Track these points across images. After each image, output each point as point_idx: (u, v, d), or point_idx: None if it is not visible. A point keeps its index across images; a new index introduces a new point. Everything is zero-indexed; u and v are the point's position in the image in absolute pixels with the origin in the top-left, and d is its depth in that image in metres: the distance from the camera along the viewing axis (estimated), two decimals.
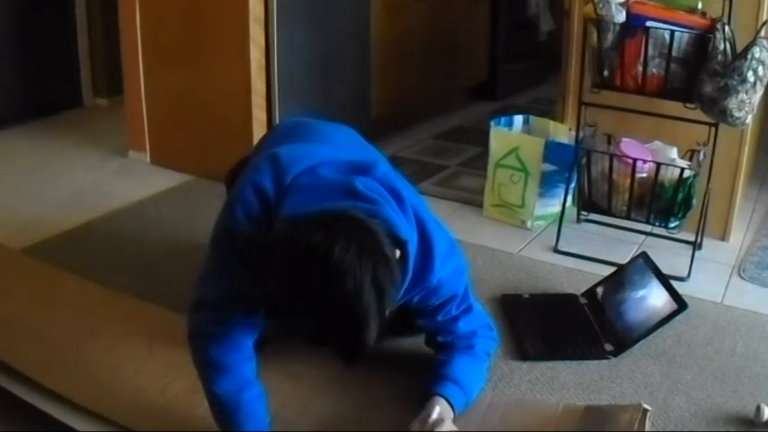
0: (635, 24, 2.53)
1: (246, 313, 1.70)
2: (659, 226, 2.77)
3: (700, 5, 2.54)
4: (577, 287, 2.52)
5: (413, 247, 1.61)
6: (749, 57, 2.34)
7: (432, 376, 1.83)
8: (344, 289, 1.40)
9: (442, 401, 1.76)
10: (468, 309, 1.91)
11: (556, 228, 2.90)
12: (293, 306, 1.46)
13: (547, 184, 3.01)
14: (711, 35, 2.42)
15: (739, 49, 2.40)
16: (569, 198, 2.94)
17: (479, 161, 3.56)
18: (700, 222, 2.75)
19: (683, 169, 2.60)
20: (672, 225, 2.70)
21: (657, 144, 2.74)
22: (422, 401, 1.77)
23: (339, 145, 1.93)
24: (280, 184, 1.65)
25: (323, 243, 1.40)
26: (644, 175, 2.66)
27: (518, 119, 3.24)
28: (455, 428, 1.70)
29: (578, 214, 3.05)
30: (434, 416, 1.70)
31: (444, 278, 1.79)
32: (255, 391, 1.67)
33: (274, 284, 1.47)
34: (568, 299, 2.47)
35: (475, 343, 1.89)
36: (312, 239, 1.41)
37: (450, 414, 1.75)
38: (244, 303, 1.69)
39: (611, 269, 2.50)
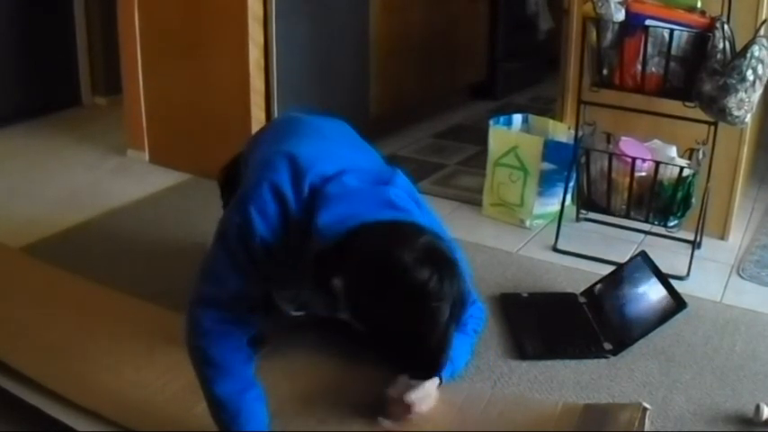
0: (634, 23, 2.52)
1: (248, 312, 1.69)
2: (658, 225, 2.77)
3: (699, 4, 2.54)
4: (576, 286, 2.52)
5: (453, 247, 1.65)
6: (748, 55, 2.34)
7: None
8: (441, 316, 1.49)
9: None
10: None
11: (555, 227, 2.90)
12: (382, 331, 1.52)
13: (546, 182, 3.01)
14: (711, 34, 2.42)
15: (739, 47, 2.40)
16: (568, 197, 2.94)
17: (478, 160, 3.56)
18: (699, 221, 2.75)
19: (682, 168, 2.60)
20: (671, 224, 2.70)
21: (657, 143, 2.74)
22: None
23: (345, 144, 1.95)
24: (299, 187, 1.66)
25: (431, 280, 1.46)
26: (643, 173, 2.66)
27: (517, 118, 3.24)
28: (434, 400, 1.79)
29: (577, 213, 3.05)
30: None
31: None
32: (256, 392, 1.67)
33: (366, 310, 1.52)
34: (567, 298, 2.47)
35: (467, 322, 1.91)
36: (422, 276, 1.46)
37: (435, 381, 1.80)
38: (248, 302, 1.68)
39: (611, 268, 2.50)
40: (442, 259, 1.52)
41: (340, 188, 1.66)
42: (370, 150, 2.03)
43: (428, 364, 1.63)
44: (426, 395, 1.80)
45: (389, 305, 1.49)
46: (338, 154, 1.83)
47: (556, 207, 2.98)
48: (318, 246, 1.58)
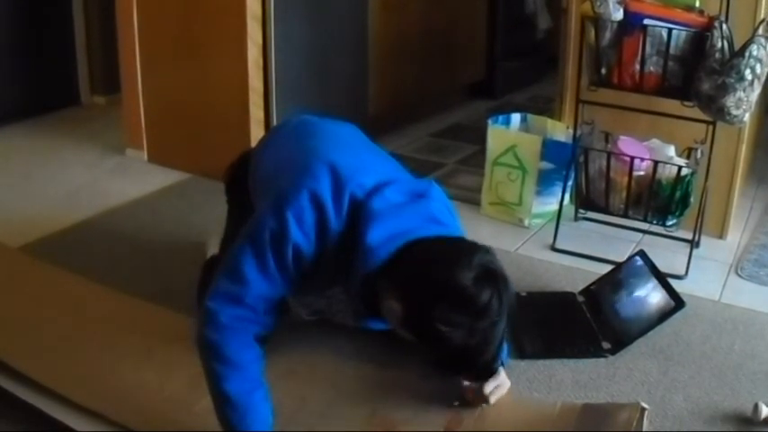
0: (632, 22, 2.52)
1: (265, 313, 1.69)
2: (657, 224, 2.77)
3: (697, 3, 2.54)
4: (575, 285, 2.52)
5: None
6: (747, 55, 2.34)
7: None
8: (499, 333, 1.62)
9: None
10: None
11: (553, 226, 2.90)
12: (445, 344, 1.57)
13: (544, 182, 3.01)
14: (709, 33, 2.42)
15: (737, 46, 2.40)
16: (567, 196, 2.94)
17: (477, 159, 3.56)
18: (697, 220, 2.75)
19: (680, 167, 2.60)
20: (669, 223, 2.70)
21: (655, 142, 2.74)
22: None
23: (372, 153, 2.00)
24: (339, 198, 1.67)
25: (493, 299, 1.57)
26: (641, 173, 2.66)
27: (516, 117, 3.24)
28: (506, 388, 1.87)
29: (576, 212, 3.05)
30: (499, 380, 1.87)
31: None
32: (264, 392, 1.66)
33: (431, 326, 1.56)
34: (566, 297, 2.47)
35: None
36: (485, 296, 1.56)
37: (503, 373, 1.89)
38: (269, 305, 1.69)
39: (609, 267, 2.50)
40: (498, 276, 1.60)
41: (384, 203, 1.69)
42: (389, 156, 2.07)
43: (483, 371, 1.75)
44: (502, 384, 1.86)
45: (453, 324, 1.55)
46: (373, 164, 1.87)
47: (554, 206, 2.98)
48: (369, 264, 1.63)
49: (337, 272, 1.72)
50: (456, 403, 1.86)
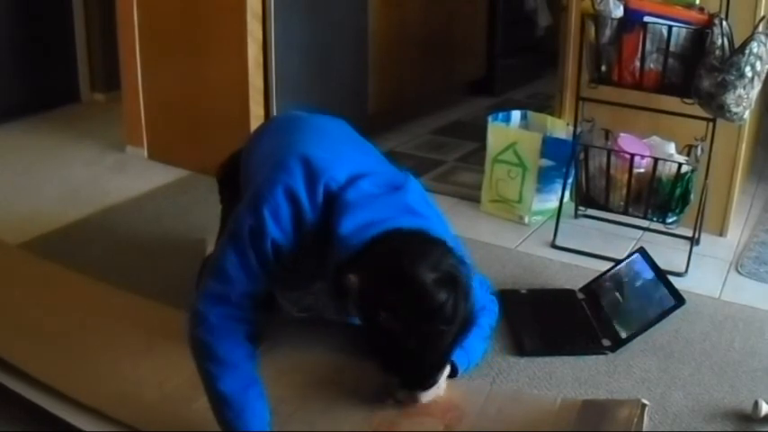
0: (633, 19, 2.52)
1: (253, 310, 1.70)
2: (657, 221, 2.77)
3: (697, 1, 2.54)
4: (575, 282, 2.52)
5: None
6: (747, 52, 2.34)
7: None
8: (447, 339, 1.57)
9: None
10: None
11: (553, 223, 2.90)
12: (388, 338, 1.56)
13: (544, 179, 3.01)
14: (709, 30, 2.42)
15: (737, 44, 2.40)
16: (567, 193, 2.94)
17: (477, 156, 3.56)
18: (697, 218, 2.75)
19: (680, 164, 2.60)
20: (669, 220, 2.70)
21: (655, 139, 2.74)
22: None
23: (352, 145, 1.97)
24: (313, 191, 1.67)
25: (446, 304, 1.52)
26: (642, 170, 2.66)
27: (516, 114, 3.24)
28: (440, 392, 1.81)
29: (576, 209, 3.05)
30: None
31: None
32: (259, 390, 1.66)
33: (378, 316, 1.54)
34: (566, 294, 2.47)
35: (481, 315, 1.93)
36: (440, 299, 1.51)
37: (446, 373, 1.81)
38: (255, 302, 1.69)
39: (609, 264, 2.50)
40: (460, 285, 1.55)
41: (358, 194, 1.68)
42: (374, 150, 2.04)
43: (421, 378, 1.70)
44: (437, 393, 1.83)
45: (399, 317, 1.53)
46: (349, 156, 1.85)
47: (554, 203, 2.98)
48: (341, 254, 1.61)
49: (318, 266, 1.72)
50: (390, 401, 1.82)
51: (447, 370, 1.82)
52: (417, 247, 1.58)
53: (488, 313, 2.00)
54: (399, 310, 1.52)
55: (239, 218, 1.71)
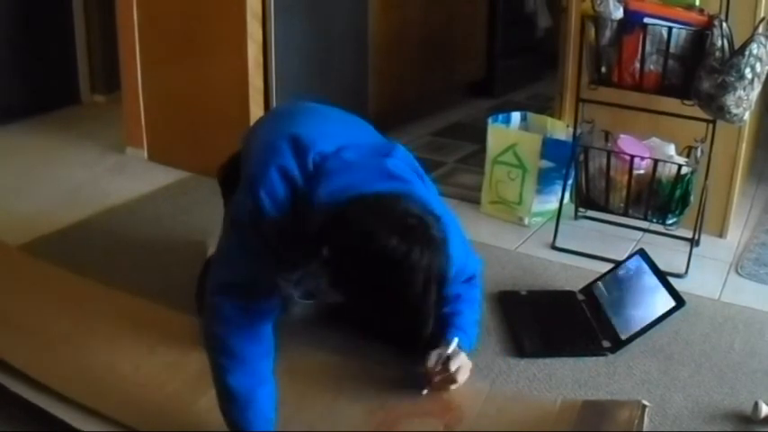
0: (633, 21, 2.53)
1: (266, 297, 1.69)
2: (657, 223, 2.77)
3: (697, 2, 2.55)
4: (575, 284, 2.52)
5: (447, 222, 1.62)
6: (747, 53, 2.34)
7: (443, 324, 1.90)
8: (415, 289, 1.47)
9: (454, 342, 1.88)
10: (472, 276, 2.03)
11: (553, 224, 2.90)
12: (361, 302, 1.54)
13: (544, 180, 3.01)
14: (709, 32, 2.42)
15: (737, 45, 2.40)
16: (567, 195, 2.94)
17: (477, 158, 3.56)
18: (697, 219, 2.75)
19: (680, 166, 2.60)
20: (669, 222, 2.70)
21: (655, 141, 2.74)
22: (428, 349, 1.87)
23: (342, 122, 1.97)
24: (304, 165, 1.67)
25: (400, 248, 1.45)
26: (641, 171, 2.66)
27: (516, 115, 3.24)
28: (469, 370, 1.88)
29: (576, 211, 3.05)
30: (450, 350, 1.86)
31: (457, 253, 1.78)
32: (269, 389, 1.66)
33: (345, 280, 1.51)
34: (566, 296, 2.47)
35: (475, 285, 2.03)
36: (389, 244, 1.45)
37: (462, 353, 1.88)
38: (264, 288, 1.68)
39: (609, 266, 2.50)
40: (422, 235, 1.49)
41: (339, 163, 1.67)
42: (368, 127, 2.04)
43: (410, 335, 1.64)
44: (464, 365, 1.87)
45: (364, 275, 1.49)
46: (337, 131, 1.85)
47: (554, 205, 2.98)
48: (318, 220, 1.57)
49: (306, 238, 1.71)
50: (425, 391, 1.86)
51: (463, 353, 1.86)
52: (379, 205, 1.53)
53: (479, 281, 2.05)
54: (363, 268, 1.48)
55: (238, 204, 1.72)
